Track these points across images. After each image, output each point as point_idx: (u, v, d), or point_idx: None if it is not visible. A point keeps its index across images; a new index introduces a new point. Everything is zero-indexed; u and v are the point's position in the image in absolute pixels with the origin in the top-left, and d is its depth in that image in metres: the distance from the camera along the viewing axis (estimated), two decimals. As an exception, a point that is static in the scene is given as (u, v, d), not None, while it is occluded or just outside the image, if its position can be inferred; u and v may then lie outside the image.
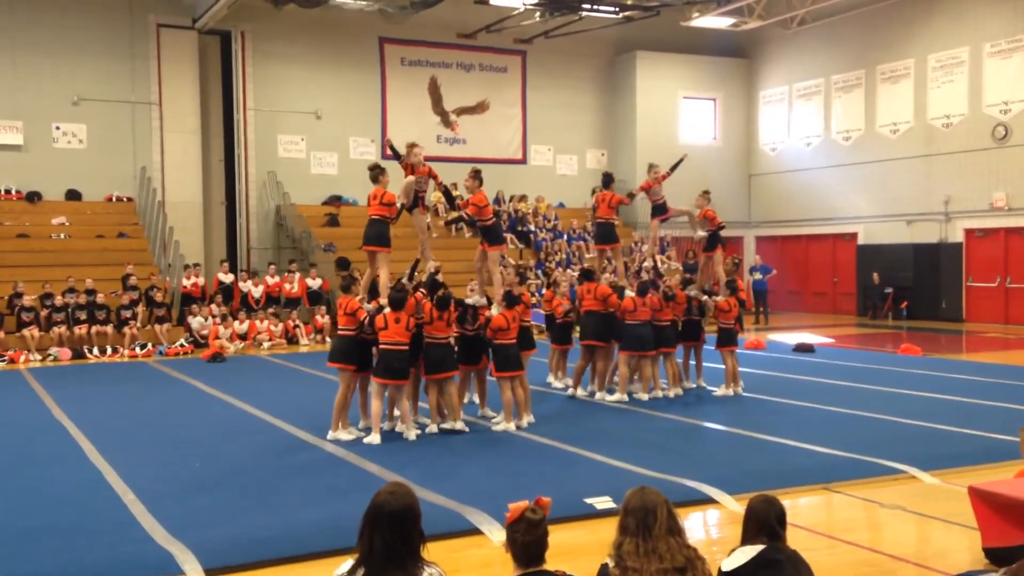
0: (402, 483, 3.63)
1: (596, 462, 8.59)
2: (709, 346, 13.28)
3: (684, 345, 13.06)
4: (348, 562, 3.50)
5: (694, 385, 13.12)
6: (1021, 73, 22.75)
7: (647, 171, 13.62)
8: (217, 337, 19.08)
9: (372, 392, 9.83)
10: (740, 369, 12.89)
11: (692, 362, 13.26)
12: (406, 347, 9.69)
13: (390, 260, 10.52)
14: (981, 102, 23.66)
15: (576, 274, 14.65)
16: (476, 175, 11.26)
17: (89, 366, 17.48)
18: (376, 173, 10.46)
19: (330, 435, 9.79)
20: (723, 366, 12.67)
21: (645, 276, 14.10)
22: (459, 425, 10.06)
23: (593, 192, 27.79)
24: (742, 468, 8.29)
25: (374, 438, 9.56)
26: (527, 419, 10.46)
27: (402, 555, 3.42)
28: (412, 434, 9.79)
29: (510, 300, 10.31)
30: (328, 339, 19.28)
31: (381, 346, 9.67)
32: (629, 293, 12.12)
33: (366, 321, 9.77)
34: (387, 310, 9.70)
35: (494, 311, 10.41)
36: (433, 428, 10.09)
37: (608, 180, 13.46)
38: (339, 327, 10.10)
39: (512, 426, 10.19)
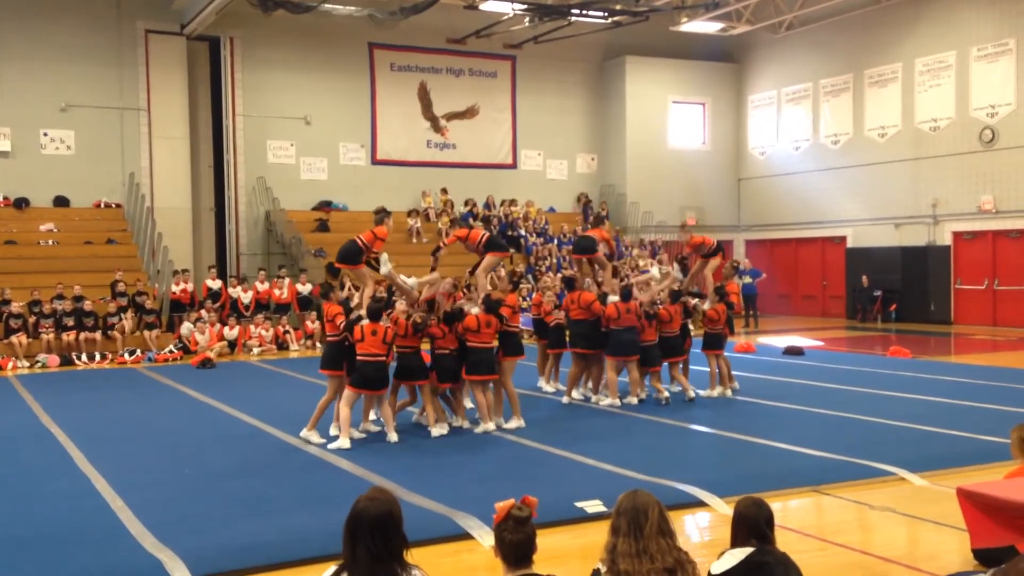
0: (382, 488, 3.63)
1: (587, 466, 8.59)
2: (696, 349, 13.33)
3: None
4: (331, 567, 3.51)
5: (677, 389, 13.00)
6: (1008, 77, 22.89)
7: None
8: (198, 343, 19.01)
9: (343, 398, 9.80)
10: (732, 372, 12.97)
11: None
12: (383, 358, 9.77)
13: (369, 276, 10.54)
14: (968, 106, 23.78)
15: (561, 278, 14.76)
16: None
17: (78, 373, 17.40)
18: (381, 216, 10.75)
19: (303, 433, 9.91)
20: (707, 369, 12.71)
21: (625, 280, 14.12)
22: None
23: (587, 203, 27.99)
24: (732, 471, 8.31)
25: (343, 442, 9.53)
26: (516, 422, 10.46)
27: (385, 561, 3.43)
28: (393, 436, 9.85)
29: (488, 306, 10.36)
30: (318, 344, 19.26)
31: (358, 357, 9.70)
32: (613, 299, 12.10)
33: (342, 326, 9.82)
34: (365, 321, 9.74)
35: (473, 312, 10.46)
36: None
37: (600, 220, 15.18)
38: (327, 334, 10.24)
39: (492, 426, 10.25)
